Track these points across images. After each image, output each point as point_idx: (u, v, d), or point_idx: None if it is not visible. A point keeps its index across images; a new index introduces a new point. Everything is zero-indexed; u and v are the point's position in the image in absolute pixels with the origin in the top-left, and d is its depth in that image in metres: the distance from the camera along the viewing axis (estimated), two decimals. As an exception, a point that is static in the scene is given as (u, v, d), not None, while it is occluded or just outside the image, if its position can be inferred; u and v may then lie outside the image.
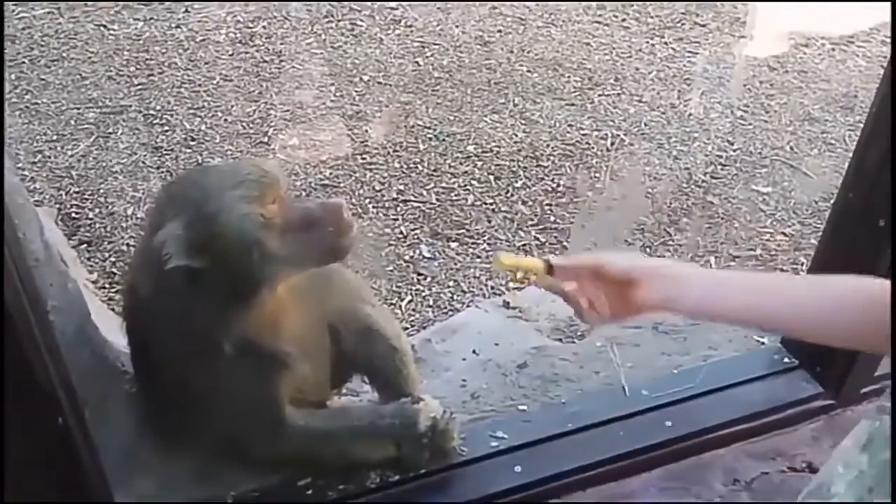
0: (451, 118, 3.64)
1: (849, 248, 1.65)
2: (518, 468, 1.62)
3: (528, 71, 4.02)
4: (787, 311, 1.07)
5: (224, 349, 1.33)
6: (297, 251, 1.31)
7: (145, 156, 3.32)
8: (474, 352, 2.08)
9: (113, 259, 2.86)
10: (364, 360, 1.63)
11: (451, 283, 2.88)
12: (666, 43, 4.30)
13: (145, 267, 1.32)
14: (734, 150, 3.54)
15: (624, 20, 4.47)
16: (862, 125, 1.62)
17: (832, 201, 1.79)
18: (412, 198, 3.20)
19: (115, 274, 2.79)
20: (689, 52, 4.24)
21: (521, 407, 1.79)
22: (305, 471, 1.57)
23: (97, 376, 1.49)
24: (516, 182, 3.31)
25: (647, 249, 3.02)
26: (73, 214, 3.04)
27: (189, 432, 1.50)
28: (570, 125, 3.63)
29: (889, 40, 3.92)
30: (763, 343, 1.97)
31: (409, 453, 1.57)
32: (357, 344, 1.60)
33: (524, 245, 3.03)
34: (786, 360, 1.86)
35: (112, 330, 1.70)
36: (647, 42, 4.30)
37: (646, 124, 3.67)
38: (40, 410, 1.12)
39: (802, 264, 2.91)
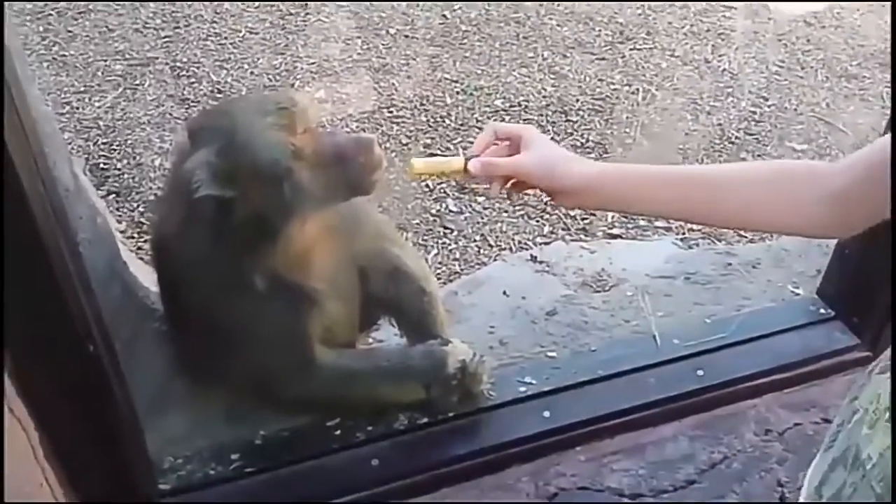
0: (479, 72, 3.58)
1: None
2: (547, 413, 1.61)
3: (558, 25, 3.93)
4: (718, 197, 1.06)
5: (252, 283, 1.32)
6: (326, 183, 1.30)
7: (172, 107, 3.31)
8: (504, 293, 2.05)
9: (141, 209, 2.86)
10: (392, 301, 1.62)
11: (477, 238, 2.85)
12: (699, -3, 4.19)
13: (174, 197, 1.31)
14: (768, 107, 3.46)
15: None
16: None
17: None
18: (438, 151, 3.15)
19: (143, 224, 2.79)
20: (723, 6, 4.13)
21: (549, 353, 1.77)
22: (333, 411, 1.57)
23: (127, 313, 1.49)
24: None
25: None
26: (102, 165, 3.04)
27: (217, 370, 1.50)
28: (600, 80, 3.56)
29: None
30: (798, 294, 1.93)
31: (437, 395, 1.56)
32: (385, 285, 1.59)
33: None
34: (822, 310, 1.83)
35: (140, 274, 1.71)
36: (681, -4, 4.20)
37: (678, 79, 3.59)
38: (72, 338, 1.12)
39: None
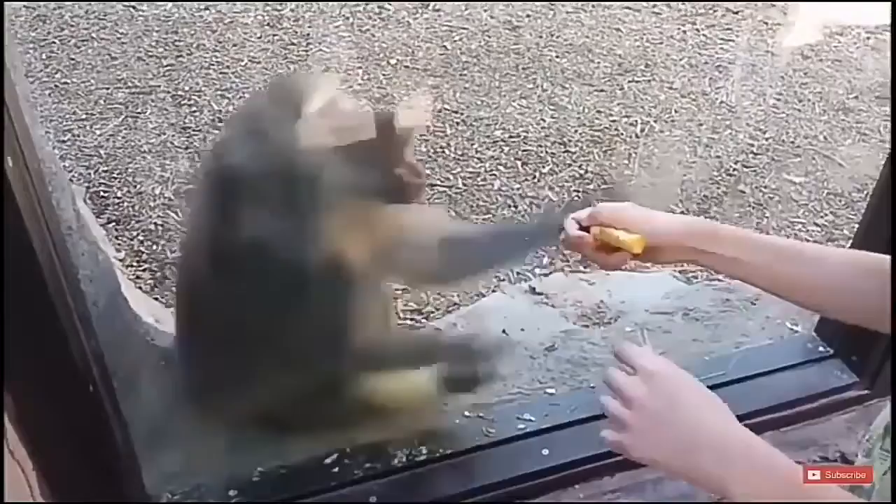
0: (479, 102, 3.61)
1: (888, 233, 1.61)
2: (546, 451, 1.61)
3: (557, 56, 3.97)
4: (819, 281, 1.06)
5: (297, 263, 1.32)
6: (361, 179, 1.31)
7: (173, 136, 3.32)
8: (503, 331, 2.05)
9: (141, 238, 2.86)
10: None
11: (476, 268, 2.86)
12: (698, 30, 4.23)
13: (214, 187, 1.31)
14: (766, 139, 3.48)
15: (655, 6, 4.40)
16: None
17: (867, 191, 1.75)
18: (438, 182, 3.17)
19: (142, 253, 2.80)
20: (721, 39, 4.17)
21: (549, 390, 1.77)
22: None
23: (127, 348, 1.49)
24: (543, 168, 3.27)
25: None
26: (102, 193, 3.04)
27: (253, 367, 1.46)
28: (599, 111, 3.59)
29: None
30: (797, 331, 1.93)
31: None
32: None
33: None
34: (820, 348, 1.83)
35: (140, 307, 1.71)
36: (679, 28, 4.24)
37: (676, 111, 3.62)
38: (71, 378, 1.12)
39: (835, 255, 2.86)
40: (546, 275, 2.75)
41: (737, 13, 4.36)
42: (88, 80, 3.66)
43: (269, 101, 1.31)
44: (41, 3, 4.12)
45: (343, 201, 1.34)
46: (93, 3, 4.17)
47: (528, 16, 4.26)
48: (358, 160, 1.30)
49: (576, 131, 3.46)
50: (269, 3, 4.21)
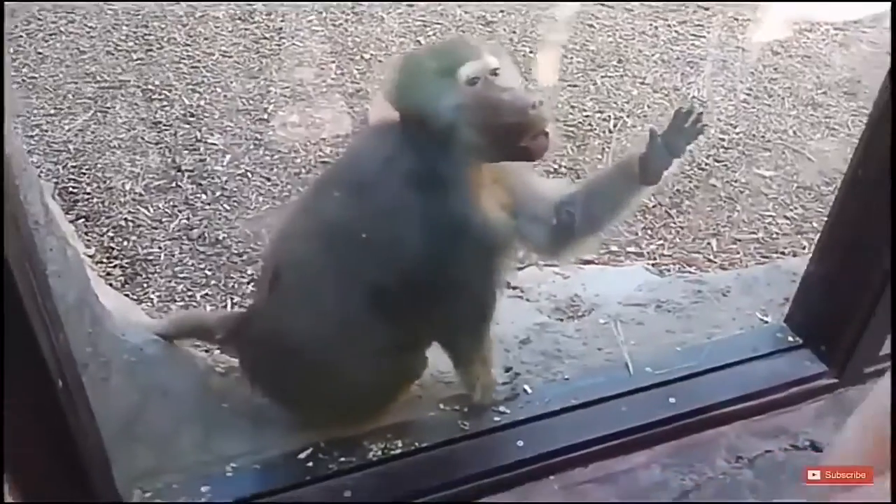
0: (453, 97, 3.60)
1: (857, 224, 1.64)
2: (520, 443, 1.62)
3: (531, 52, 3.98)
4: None
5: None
6: (487, 139, 1.36)
7: (144, 131, 3.28)
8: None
9: (111, 234, 2.83)
10: None
11: (451, 263, 2.86)
12: (669, 26, 4.26)
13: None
14: (737, 134, 3.52)
15: (627, 2, 4.42)
16: (864, 110, 1.61)
17: (835, 185, 1.78)
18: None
19: (112, 249, 2.76)
20: (693, 35, 4.20)
21: (524, 385, 1.78)
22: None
23: (97, 344, 1.47)
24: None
25: (649, 231, 3.00)
26: (71, 189, 3.00)
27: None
28: (572, 106, 3.60)
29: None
30: (767, 321, 1.96)
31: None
32: None
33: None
34: (790, 338, 1.86)
35: (110, 303, 1.69)
36: (651, 24, 4.26)
37: (648, 106, 3.64)
38: (39, 375, 1.11)
39: (805, 248, 2.90)
40: (521, 268, 2.75)
41: (708, 9, 4.40)
42: (57, 74, 3.60)
43: (430, 58, 1.40)
44: (7, -3, 4.04)
45: (476, 162, 1.40)
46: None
47: (501, 11, 4.26)
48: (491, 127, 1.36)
49: (549, 126, 3.46)
50: (241, -3, 4.18)
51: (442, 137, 1.35)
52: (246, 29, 3.97)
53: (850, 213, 1.67)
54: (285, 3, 4.14)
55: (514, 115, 1.34)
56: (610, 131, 3.47)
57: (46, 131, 3.26)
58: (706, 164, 3.33)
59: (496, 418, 1.65)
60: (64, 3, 4.07)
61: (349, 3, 4.20)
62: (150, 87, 3.54)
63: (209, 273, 2.66)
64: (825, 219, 1.81)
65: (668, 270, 2.74)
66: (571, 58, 3.94)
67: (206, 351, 1.86)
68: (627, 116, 3.56)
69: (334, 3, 4.21)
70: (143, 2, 4.09)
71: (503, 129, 1.35)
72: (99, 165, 3.10)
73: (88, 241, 2.79)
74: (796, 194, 3.20)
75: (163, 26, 3.95)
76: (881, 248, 1.53)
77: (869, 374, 1.79)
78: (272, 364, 1.53)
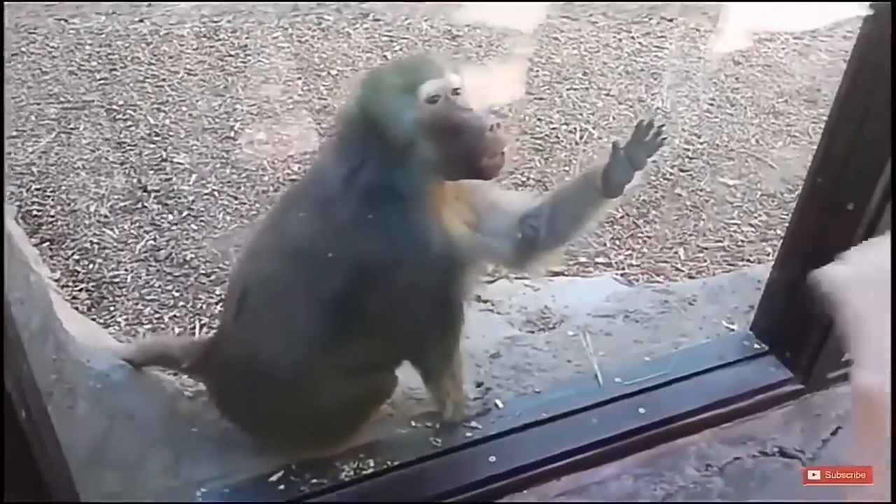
0: (420, 112, 3.61)
1: (817, 231, 1.67)
2: (493, 458, 1.62)
3: (497, 65, 4.01)
4: None
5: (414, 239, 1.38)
6: (444, 156, 1.37)
7: (108, 151, 3.25)
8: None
9: (76, 257, 2.79)
10: None
11: (422, 277, 2.86)
12: (633, 38, 4.32)
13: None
14: (701, 143, 3.57)
15: (591, 15, 4.48)
16: (824, 118, 1.64)
17: (798, 192, 1.81)
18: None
19: (78, 272, 2.73)
20: (656, 46, 4.26)
21: (495, 400, 1.78)
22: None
23: (61, 370, 1.45)
24: (486, 176, 3.29)
25: (617, 241, 3.03)
26: (35, 212, 2.96)
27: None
28: (539, 119, 3.63)
29: (851, 35, 3.97)
30: (733, 329, 1.98)
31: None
32: None
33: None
34: (755, 345, 1.89)
35: (74, 328, 1.67)
36: (615, 37, 4.32)
37: (614, 118, 3.68)
38: (1, 405, 1.09)
39: (769, 255, 2.94)
40: (491, 282, 2.76)
41: (671, 20, 4.47)
42: (19, 95, 3.55)
43: (392, 74, 1.40)
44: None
45: (435, 179, 1.41)
46: (22, 17, 4.06)
47: (467, 26, 4.29)
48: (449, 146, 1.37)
49: (516, 139, 3.49)
50: (206, 14, 4.16)
51: (402, 154, 1.36)
52: (211, 47, 3.95)
53: (810, 221, 1.71)
54: (250, 20, 4.14)
55: (472, 136, 1.35)
56: (576, 143, 3.50)
57: (9, 153, 3.21)
58: (671, 174, 3.37)
59: (468, 434, 1.66)
60: (26, 23, 4.03)
61: (315, 19, 4.21)
62: (114, 106, 3.51)
63: (177, 294, 2.63)
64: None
65: (637, 280, 2.76)
66: (537, 71, 3.98)
67: (174, 374, 1.84)
68: (593, 128, 3.60)
69: (300, 17, 4.21)
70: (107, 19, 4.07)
71: (460, 148, 1.36)
72: (63, 187, 3.06)
73: (53, 264, 2.75)
74: (760, 202, 3.25)
75: (126, 45, 3.93)
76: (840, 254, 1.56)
77: (833, 380, 1.82)
78: (240, 390, 1.52)
